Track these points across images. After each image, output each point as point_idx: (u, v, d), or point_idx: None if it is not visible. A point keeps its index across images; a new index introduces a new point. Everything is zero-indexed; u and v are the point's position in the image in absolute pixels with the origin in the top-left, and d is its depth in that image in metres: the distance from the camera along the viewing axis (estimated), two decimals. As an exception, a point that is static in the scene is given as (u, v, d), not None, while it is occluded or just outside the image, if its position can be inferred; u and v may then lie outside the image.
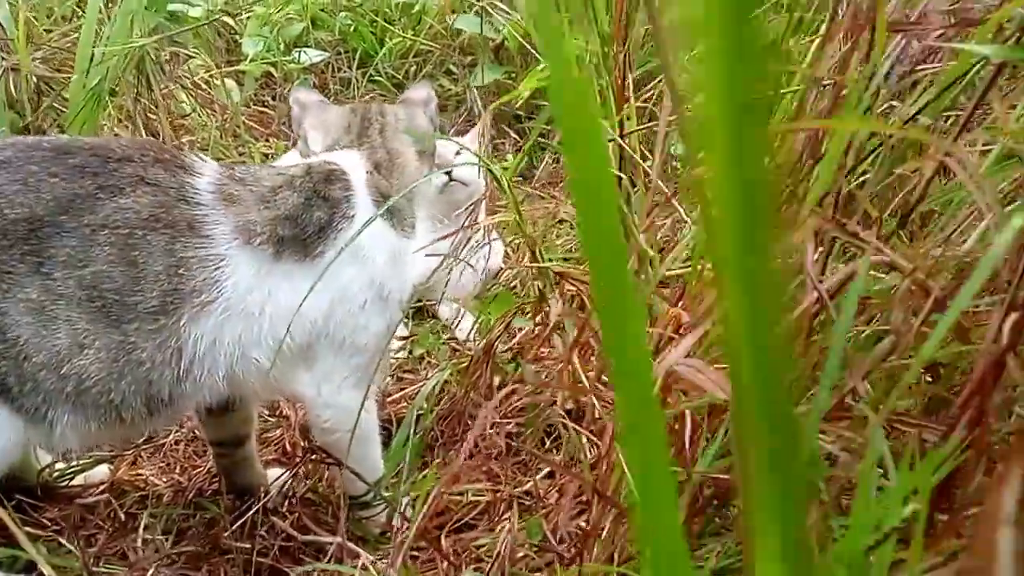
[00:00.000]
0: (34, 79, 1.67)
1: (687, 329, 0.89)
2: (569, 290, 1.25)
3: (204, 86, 2.41)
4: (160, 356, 1.02)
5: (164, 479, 1.34)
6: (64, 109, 1.68)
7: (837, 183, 0.76)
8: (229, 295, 1.04)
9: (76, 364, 0.98)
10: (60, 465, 1.32)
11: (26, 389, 0.98)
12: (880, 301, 0.76)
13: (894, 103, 0.82)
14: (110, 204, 1.00)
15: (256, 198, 1.09)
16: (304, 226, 1.10)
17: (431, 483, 1.17)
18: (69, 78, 1.76)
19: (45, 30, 1.88)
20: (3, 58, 1.65)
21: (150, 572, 1.11)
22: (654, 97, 1.45)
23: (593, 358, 1.22)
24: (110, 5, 1.92)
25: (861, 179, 0.88)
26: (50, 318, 0.98)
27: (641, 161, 1.25)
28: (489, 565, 1.02)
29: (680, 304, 0.97)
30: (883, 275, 0.82)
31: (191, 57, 2.52)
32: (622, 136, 1.25)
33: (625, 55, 1.25)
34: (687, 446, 0.84)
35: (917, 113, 0.76)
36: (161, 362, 1.02)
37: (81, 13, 1.99)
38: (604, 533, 0.94)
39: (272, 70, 2.72)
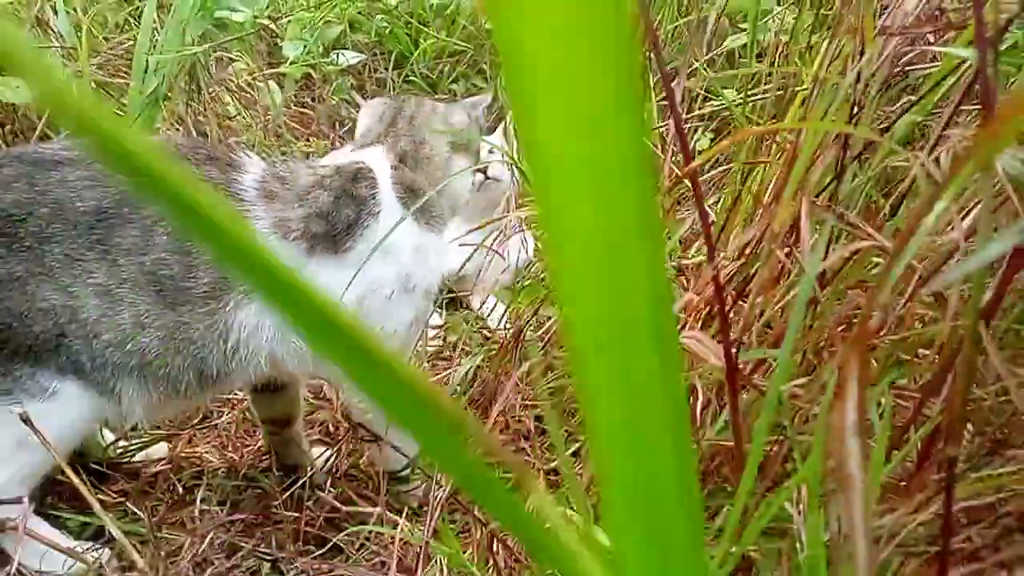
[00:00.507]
0: (93, 85, 1.78)
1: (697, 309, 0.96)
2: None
3: (248, 88, 2.52)
4: (209, 336, 1.12)
5: (218, 456, 1.45)
6: (120, 114, 1.80)
7: (833, 176, 0.83)
8: None
9: (139, 341, 1.09)
10: (122, 443, 1.43)
11: (97, 364, 1.09)
12: (874, 284, 0.82)
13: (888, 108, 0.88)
14: None
15: (293, 196, 1.18)
16: (334, 223, 1.18)
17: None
18: (125, 84, 1.88)
19: (104, 38, 2.00)
20: (65, 66, 1.77)
21: (208, 537, 1.21)
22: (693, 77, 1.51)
23: None
24: (161, 14, 2.03)
25: (855, 176, 0.94)
26: (116, 300, 1.08)
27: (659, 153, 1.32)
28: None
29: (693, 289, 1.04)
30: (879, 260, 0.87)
31: (234, 61, 2.64)
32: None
33: (653, 47, 1.31)
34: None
35: (905, 112, 0.82)
36: (210, 342, 1.12)
37: (135, 23, 2.12)
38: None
39: (311, 72, 2.82)
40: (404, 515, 1.25)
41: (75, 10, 1.84)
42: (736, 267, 0.86)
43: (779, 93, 1.39)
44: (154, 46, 1.79)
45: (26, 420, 1.05)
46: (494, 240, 1.61)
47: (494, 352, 1.55)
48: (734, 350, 0.66)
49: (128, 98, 1.71)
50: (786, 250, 0.88)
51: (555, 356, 1.39)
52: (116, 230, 1.09)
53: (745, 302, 0.85)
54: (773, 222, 0.72)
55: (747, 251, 0.82)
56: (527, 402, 1.43)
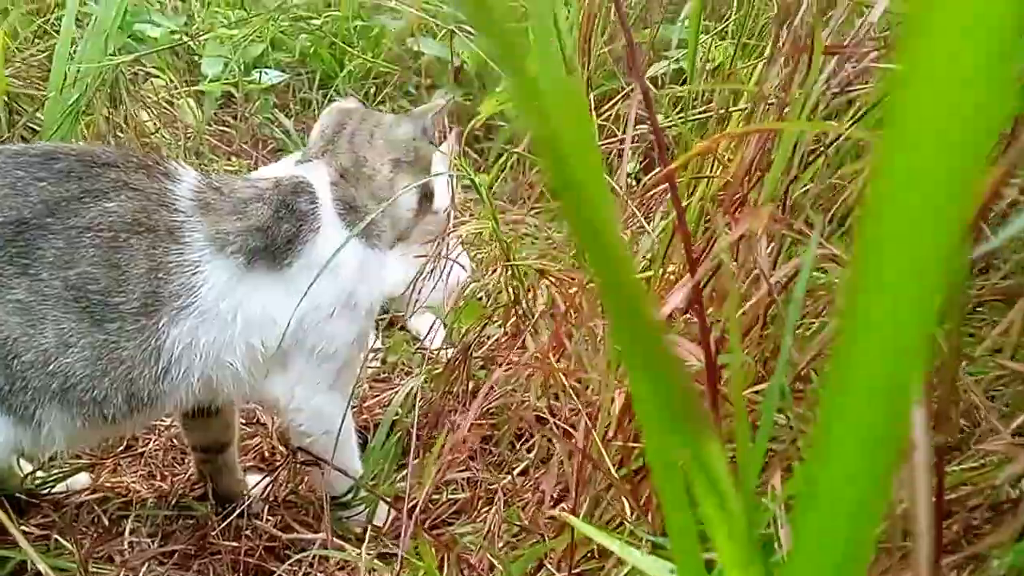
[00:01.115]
0: (4, 98, 1.69)
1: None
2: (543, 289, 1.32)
3: (167, 106, 2.43)
4: (140, 356, 1.05)
5: (146, 486, 1.37)
6: (36, 127, 1.70)
7: (783, 188, 0.86)
8: (204, 300, 1.08)
9: (62, 362, 1.02)
10: (41, 474, 1.33)
11: (15, 388, 1.01)
12: (826, 293, 0.86)
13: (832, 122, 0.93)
14: (95, 208, 1.04)
15: (230, 208, 1.13)
16: (273, 238, 1.14)
17: (420, 475, 1.23)
18: (40, 94, 1.79)
19: (16, 48, 1.89)
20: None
21: (141, 571, 1.14)
22: (612, 115, 1.55)
23: (562, 359, 1.30)
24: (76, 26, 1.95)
25: (805, 187, 0.99)
26: (38, 318, 1.01)
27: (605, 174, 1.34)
28: (476, 551, 1.08)
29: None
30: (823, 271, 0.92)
31: (153, 77, 2.54)
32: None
33: (588, 75, 1.35)
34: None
35: (851, 125, 0.87)
36: (141, 361, 1.06)
37: (52, 34, 2.02)
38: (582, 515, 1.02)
39: (233, 90, 2.75)
40: (348, 541, 1.22)
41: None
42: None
43: (710, 115, 1.45)
44: (71, 57, 1.71)
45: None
46: (434, 260, 1.60)
47: (436, 372, 1.54)
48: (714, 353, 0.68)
49: (45, 110, 1.62)
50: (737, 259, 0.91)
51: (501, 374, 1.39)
52: (38, 242, 1.02)
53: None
54: (735, 231, 0.74)
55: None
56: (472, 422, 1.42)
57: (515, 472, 1.33)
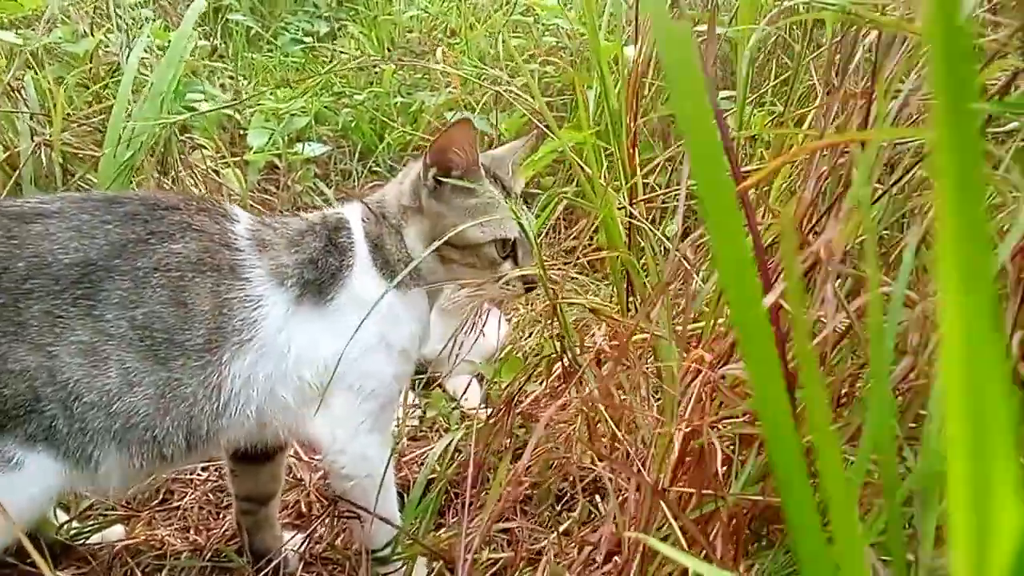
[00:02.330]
0: (60, 157, 1.74)
1: (710, 366, 0.96)
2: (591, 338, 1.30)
3: (214, 173, 2.50)
4: (202, 392, 1.06)
5: (181, 538, 1.34)
6: (87, 185, 1.76)
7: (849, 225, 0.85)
8: (264, 334, 1.10)
9: (126, 401, 1.02)
10: (76, 524, 1.31)
11: (73, 429, 1.01)
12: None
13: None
14: (162, 249, 1.06)
15: (286, 243, 1.16)
16: (322, 271, 1.16)
17: (459, 532, 1.19)
18: (92, 156, 1.85)
19: (70, 112, 1.97)
20: (33, 133, 1.73)
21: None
22: (656, 172, 1.56)
23: (600, 424, 1.26)
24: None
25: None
26: (101, 358, 1.01)
27: (649, 227, 1.34)
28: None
29: (701, 346, 1.04)
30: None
31: (200, 147, 2.63)
32: (631, 204, 1.35)
33: (634, 133, 1.36)
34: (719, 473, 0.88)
35: (918, 163, 0.86)
36: (203, 397, 1.06)
37: (103, 98, 2.11)
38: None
39: (276, 161, 2.83)
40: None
41: (48, 80, 1.82)
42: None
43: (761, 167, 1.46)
44: (128, 118, 1.77)
45: (-18, 488, 0.96)
46: (472, 322, 1.59)
47: (476, 428, 1.50)
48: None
49: (100, 168, 1.68)
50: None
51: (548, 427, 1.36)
52: (104, 283, 1.03)
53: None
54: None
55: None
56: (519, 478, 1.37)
57: (560, 529, 1.28)
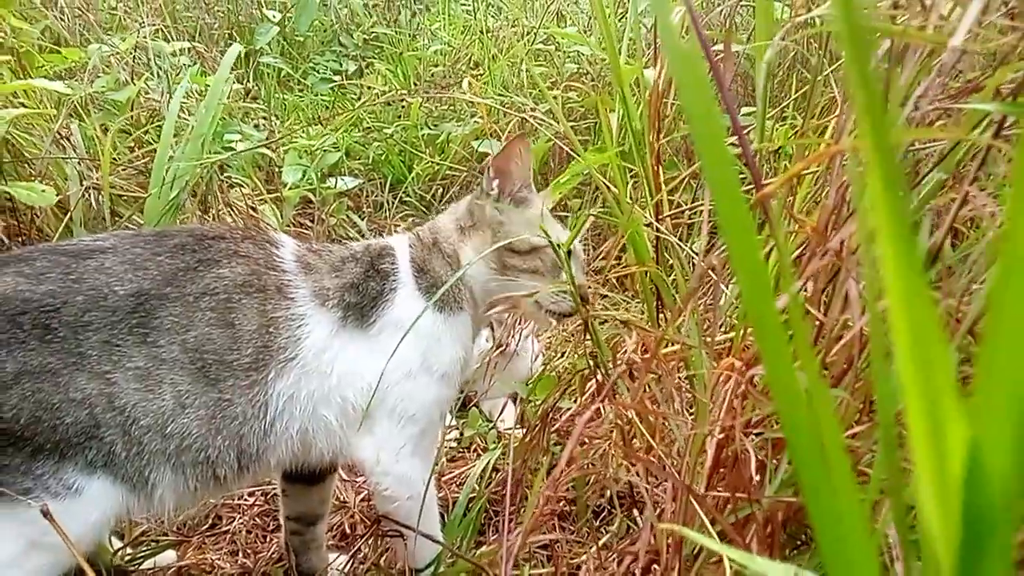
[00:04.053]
0: (107, 199, 1.82)
1: (739, 372, 0.98)
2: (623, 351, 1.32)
3: (250, 210, 2.58)
4: (251, 410, 1.10)
5: (230, 562, 1.38)
6: (133, 226, 1.83)
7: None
8: (307, 353, 1.14)
9: (179, 423, 1.06)
10: (130, 550, 1.35)
11: (132, 453, 1.05)
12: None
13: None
14: (209, 275, 1.12)
15: (329, 267, 1.22)
16: (363, 294, 1.21)
17: (500, 548, 1.21)
18: (136, 197, 1.93)
19: (115, 157, 2.05)
20: (82, 177, 1.81)
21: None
22: (681, 190, 1.59)
23: (636, 438, 1.28)
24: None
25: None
26: (156, 382, 1.06)
27: (677, 242, 1.37)
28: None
29: (731, 354, 1.06)
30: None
31: (238, 185, 2.72)
32: (658, 219, 1.38)
33: (658, 150, 1.40)
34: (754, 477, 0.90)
35: (934, 168, 0.88)
36: (251, 416, 1.10)
37: (145, 143, 2.20)
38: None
39: (311, 196, 2.91)
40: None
41: (95, 127, 1.91)
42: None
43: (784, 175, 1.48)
44: (170, 160, 1.85)
45: (47, 515, 1.00)
46: (507, 344, 1.63)
47: (513, 446, 1.53)
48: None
49: (146, 208, 1.75)
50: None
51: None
52: (157, 311, 1.09)
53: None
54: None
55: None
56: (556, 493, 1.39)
57: (599, 544, 1.29)
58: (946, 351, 0.33)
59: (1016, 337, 0.31)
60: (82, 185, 1.76)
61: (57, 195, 1.61)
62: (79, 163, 1.82)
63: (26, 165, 1.80)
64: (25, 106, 1.87)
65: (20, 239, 1.70)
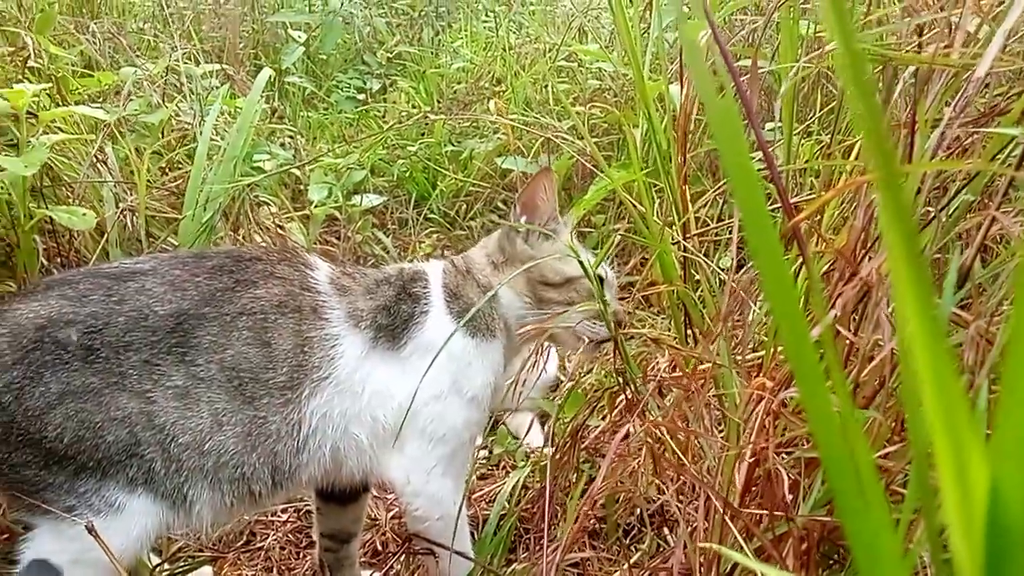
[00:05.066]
0: (143, 221, 1.87)
1: (771, 392, 0.98)
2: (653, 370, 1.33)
3: (279, 228, 2.62)
4: (285, 428, 1.13)
5: (265, 578, 1.40)
6: (168, 248, 1.88)
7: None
8: (340, 372, 1.17)
9: (216, 440, 1.09)
10: (167, 566, 1.38)
11: (171, 470, 1.08)
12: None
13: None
14: (246, 295, 1.15)
15: (363, 290, 1.25)
16: (395, 316, 1.24)
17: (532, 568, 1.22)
18: (168, 218, 1.98)
19: (150, 180, 2.10)
20: (117, 200, 1.86)
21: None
22: (707, 206, 1.60)
23: (666, 454, 1.28)
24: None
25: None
26: (194, 400, 1.09)
27: (705, 260, 1.38)
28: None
29: (762, 374, 1.06)
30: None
31: (265, 204, 2.76)
32: (685, 238, 1.39)
33: (685, 169, 1.41)
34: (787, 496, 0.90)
35: (961, 189, 0.89)
36: (285, 433, 1.13)
37: (176, 166, 2.25)
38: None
39: (336, 213, 2.95)
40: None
41: (129, 150, 1.96)
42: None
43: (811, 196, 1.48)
44: (202, 182, 1.89)
45: (91, 530, 1.03)
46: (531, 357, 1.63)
47: (541, 466, 1.54)
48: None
49: (180, 229, 1.79)
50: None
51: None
52: (195, 331, 1.11)
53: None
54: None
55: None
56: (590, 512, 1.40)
57: (630, 562, 1.30)
58: (962, 396, 0.35)
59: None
60: (118, 207, 1.80)
61: (94, 217, 1.65)
62: (115, 186, 1.86)
63: (63, 188, 1.85)
64: (62, 130, 1.92)
65: (59, 260, 1.74)
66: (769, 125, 2.03)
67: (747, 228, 0.45)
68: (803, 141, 1.99)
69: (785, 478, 0.93)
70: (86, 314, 1.10)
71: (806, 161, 1.82)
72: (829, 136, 1.62)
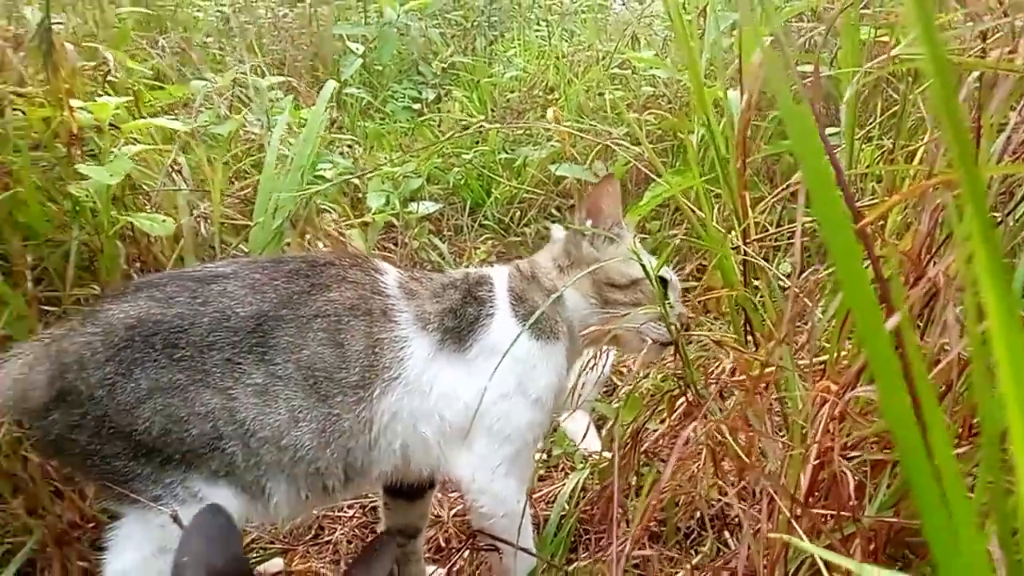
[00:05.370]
0: (216, 228, 1.95)
1: (836, 395, 0.99)
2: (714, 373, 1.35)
3: (340, 235, 2.69)
4: (357, 425, 1.17)
5: (332, 570, 1.45)
6: (238, 254, 1.96)
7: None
8: (409, 373, 1.21)
9: (292, 435, 1.14)
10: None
11: (250, 464, 1.14)
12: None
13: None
14: (321, 298, 1.20)
15: (430, 293, 1.29)
16: (461, 319, 1.28)
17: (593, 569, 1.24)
18: (238, 226, 2.06)
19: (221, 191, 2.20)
20: (191, 208, 1.94)
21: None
22: (766, 211, 1.61)
23: (726, 459, 1.29)
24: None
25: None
26: (272, 398, 1.15)
27: (766, 264, 1.39)
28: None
29: (826, 377, 1.07)
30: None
31: (326, 211, 2.84)
32: (745, 243, 1.40)
33: (743, 176, 1.42)
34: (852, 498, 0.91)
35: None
36: (357, 431, 1.18)
37: (243, 176, 2.34)
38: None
39: (394, 220, 3.02)
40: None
41: (205, 159, 2.05)
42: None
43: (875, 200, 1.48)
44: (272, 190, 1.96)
45: (176, 519, 1.09)
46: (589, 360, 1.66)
47: (601, 466, 1.57)
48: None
49: (251, 236, 1.87)
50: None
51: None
52: (274, 332, 1.17)
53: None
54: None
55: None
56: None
57: (692, 564, 1.32)
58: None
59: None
60: (192, 215, 1.88)
61: (172, 224, 1.73)
62: (189, 194, 1.95)
63: (141, 196, 1.94)
64: (138, 141, 2.02)
65: (138, 265, 1.83)
66: (830, 130, 2.03)
67: (824, 228, 0.47)
68: (864, 146, 1.98)
69: (851, 479, 0.94)
70: (172, 315, 1.16)
71: (867, 166, 1.81)
72: (891, 141, 1.61)
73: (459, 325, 1.27)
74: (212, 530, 0.95)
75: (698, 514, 1.47)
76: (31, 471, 1.39)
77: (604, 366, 1.94)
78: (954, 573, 0.50)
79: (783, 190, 1.45)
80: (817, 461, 1.00)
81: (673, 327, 1.27)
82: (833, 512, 0.95)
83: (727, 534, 1.39)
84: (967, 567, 0.49)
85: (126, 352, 1.13)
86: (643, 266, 1.28)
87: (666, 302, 1.30)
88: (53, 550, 1.36)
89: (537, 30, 4.80)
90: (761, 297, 1.50)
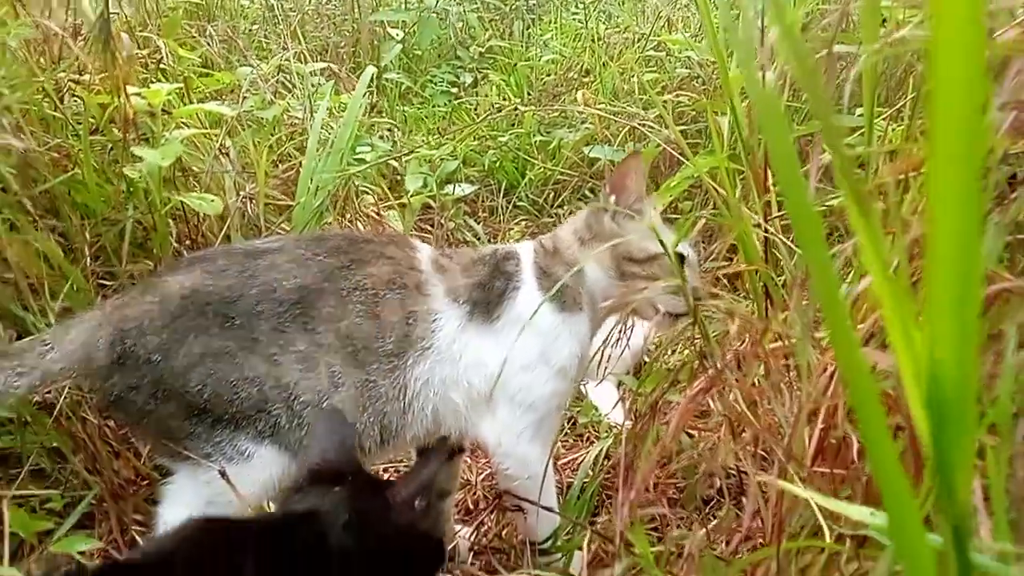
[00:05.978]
0: (261, 207, 2.05)
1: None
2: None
3: (378, 216, 2.79)
4: (392, 391, 1.26)
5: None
6: (281, 232, 2.06)
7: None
8: (440, 343, 1.29)
9: (333, 399, 1.23)
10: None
11: (294, 424, 1.23)
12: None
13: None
14: (360, 272, 1.29)
15: (460, 269, 1.37)
16: (489, 292, 1.35)
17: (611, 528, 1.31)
18: (279, 207, 2.16)
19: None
20: (237, 189, 2.05)
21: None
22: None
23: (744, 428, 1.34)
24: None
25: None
26: (314, 364, 1.24)
27: (786, 241, 1.43)
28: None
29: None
30: None
31: (365, 193, 2.93)
32: (766, 220, 1.45)
33: (765, 153, 1.46)
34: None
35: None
36: (392, 396, 1.26)
37: (285, 159, 2.44)
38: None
39: (431, 201, 3.10)
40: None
41: (251, 143, 2.15)
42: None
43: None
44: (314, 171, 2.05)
45: (223, 474, 1.18)
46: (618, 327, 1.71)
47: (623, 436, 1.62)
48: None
49: (293, 216, 1.96)
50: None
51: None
52: (316, 303, 1.26)
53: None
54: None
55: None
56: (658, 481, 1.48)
57: (709, 527, 1.37)
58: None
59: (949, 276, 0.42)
60: (238, 195, 1.99)
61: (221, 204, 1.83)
62: (235, 175, 2.05)
63: (191, 178, 2.05)
64: (187, 125, 2.13)
65: (188, 242, 1.94)
66: (859, 111, 2.04)
67: (789, 204, 0.53)
68: (894, 127, 1.99)
69: (855, 442, 0.99)
70: (224, 286, 1.25)
71: (888, 144, 1.82)
72: (911, 121, 1.63)
73: (487, 298, 1.34)
74: (334, 425, 1.07)
75: (717, 483, 1.53)
76: (89, 431, 1.50)
77: (639, 339, 1.99)
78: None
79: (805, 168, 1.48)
80: (823, 425, 1.05)
81: (688, 300, 1.32)
82: (843, 471, 1.00)
83: (744, 500, 1.44)
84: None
85: (181, 320, 1.22)
86: (661, 242, 1.34)
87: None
88: (110, 504, 1.47)
89: (575, 13, 4.83)
90: (784, 274, 1.54)
